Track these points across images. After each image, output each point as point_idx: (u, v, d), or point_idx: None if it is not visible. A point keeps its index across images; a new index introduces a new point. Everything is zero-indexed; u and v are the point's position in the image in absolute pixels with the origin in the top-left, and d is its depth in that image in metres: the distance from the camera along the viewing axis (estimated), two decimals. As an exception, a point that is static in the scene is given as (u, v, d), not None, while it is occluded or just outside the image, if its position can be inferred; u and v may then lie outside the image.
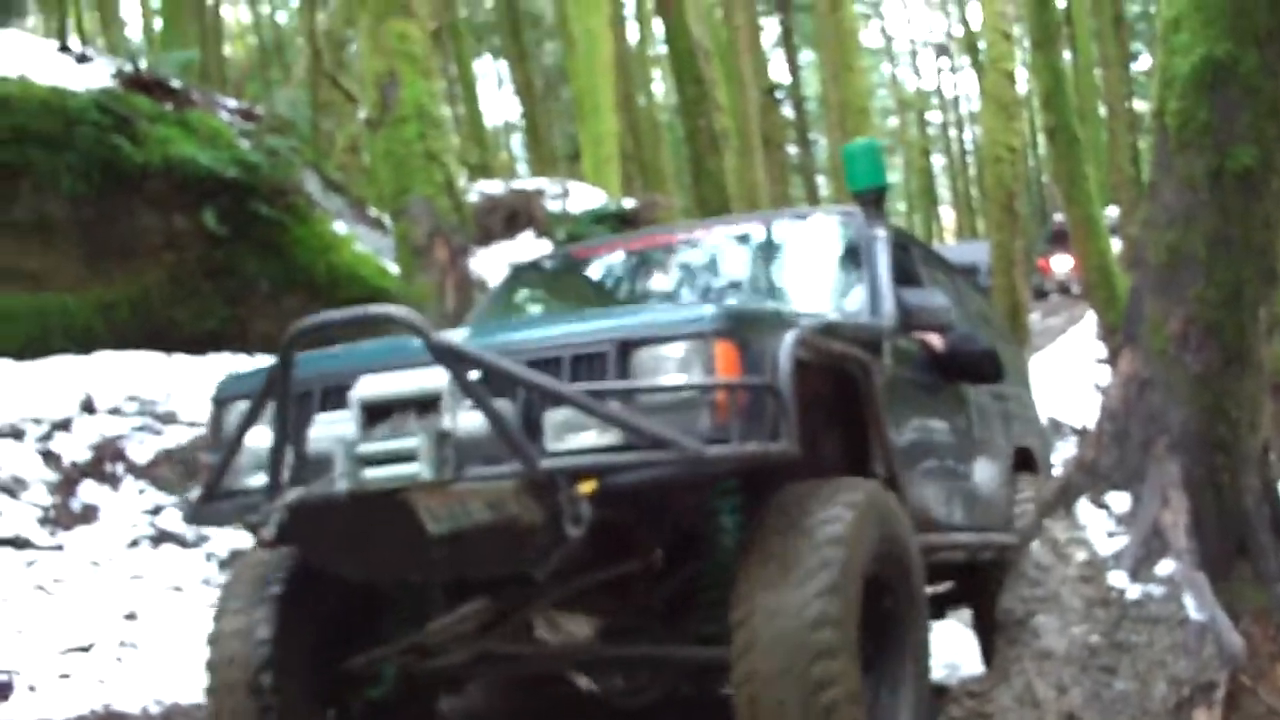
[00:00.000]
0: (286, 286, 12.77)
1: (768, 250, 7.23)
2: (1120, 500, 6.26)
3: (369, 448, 4.72)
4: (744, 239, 7.27)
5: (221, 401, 5.50)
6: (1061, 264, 35.80)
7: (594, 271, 7.48)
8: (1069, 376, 19.92)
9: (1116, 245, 24.44)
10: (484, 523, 4.71)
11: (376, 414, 4.83)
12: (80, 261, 11.93)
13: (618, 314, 5.58)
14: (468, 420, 4.70)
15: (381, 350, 5.28)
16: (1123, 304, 8.90)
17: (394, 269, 12.42)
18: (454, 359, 4.64)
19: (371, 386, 4.87)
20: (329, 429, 4.94)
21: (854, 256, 6.71)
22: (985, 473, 7.19)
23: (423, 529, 4.78)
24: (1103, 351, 20.39)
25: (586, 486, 4.61)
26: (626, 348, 4.78)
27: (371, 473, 4.68)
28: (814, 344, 5.14)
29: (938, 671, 6.89)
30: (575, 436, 4.69)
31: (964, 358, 6.79)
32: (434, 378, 4.77)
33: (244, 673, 5.38)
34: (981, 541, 6.88)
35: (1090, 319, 23.33)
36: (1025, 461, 7.97)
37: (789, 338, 4.92)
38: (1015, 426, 7.95)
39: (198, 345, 12.03)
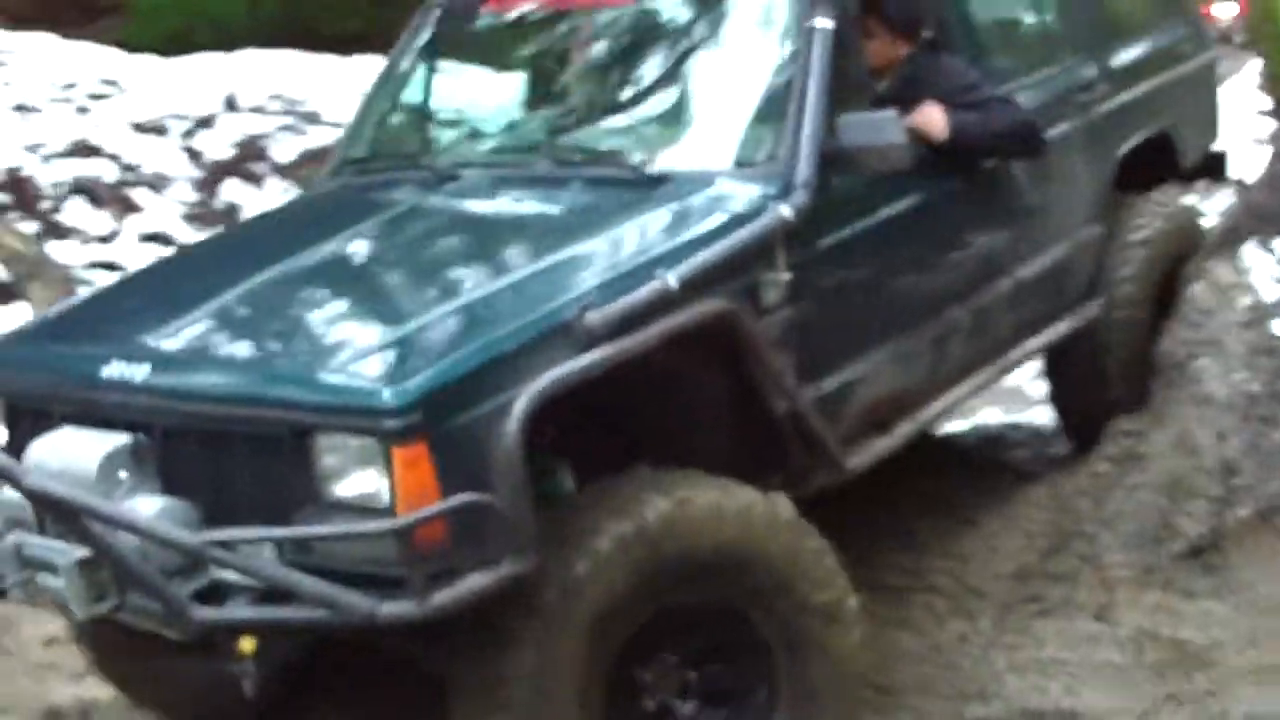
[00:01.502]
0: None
1: (668, 35, 5.21)
2: (1289, 246, 5.98)
3: (32, 548, 3.72)
4: (645, 13, 5.26)
5: None
6: (1225, 10, 34.64)
7: (500, 43, 5.74)
8: (1229, 128, 19.32)
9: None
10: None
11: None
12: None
13: (293, 363, 3.87)
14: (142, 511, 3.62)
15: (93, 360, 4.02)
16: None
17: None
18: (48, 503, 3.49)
19: (44, 453, 3.85)
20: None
21: (782, 59, 4.82)
22: (1043, 246, 5.65)
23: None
24: (1267, 103, 19.70)
25: (246, 645, 3.66)
26: (303, 434, 3.56)
27: (43, 580, 3.70)
28: (584, 371, 3.70)
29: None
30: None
31: (975, 143, 5.12)
32: (85, 465, 3.71)
33: None
34: (1029, 350, 5.67)
35: (1252, 69, 22.53)
36: (1161, 149, 6.49)
37: (511, 424, 3.49)
38: (1132, 118, 6.25)
39: (343, 45, 11.86)
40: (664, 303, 3.91)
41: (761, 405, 4.25)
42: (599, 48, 5.31)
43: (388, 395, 3.47)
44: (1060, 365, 6.14)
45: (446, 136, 5.51)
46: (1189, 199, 6.67)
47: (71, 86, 10.14)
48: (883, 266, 4.79)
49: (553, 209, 4.71)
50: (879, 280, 4.78)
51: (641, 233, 4.29)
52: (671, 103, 4.99)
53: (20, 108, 9.81)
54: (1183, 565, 4.98)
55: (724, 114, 4.80)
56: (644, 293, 3.88)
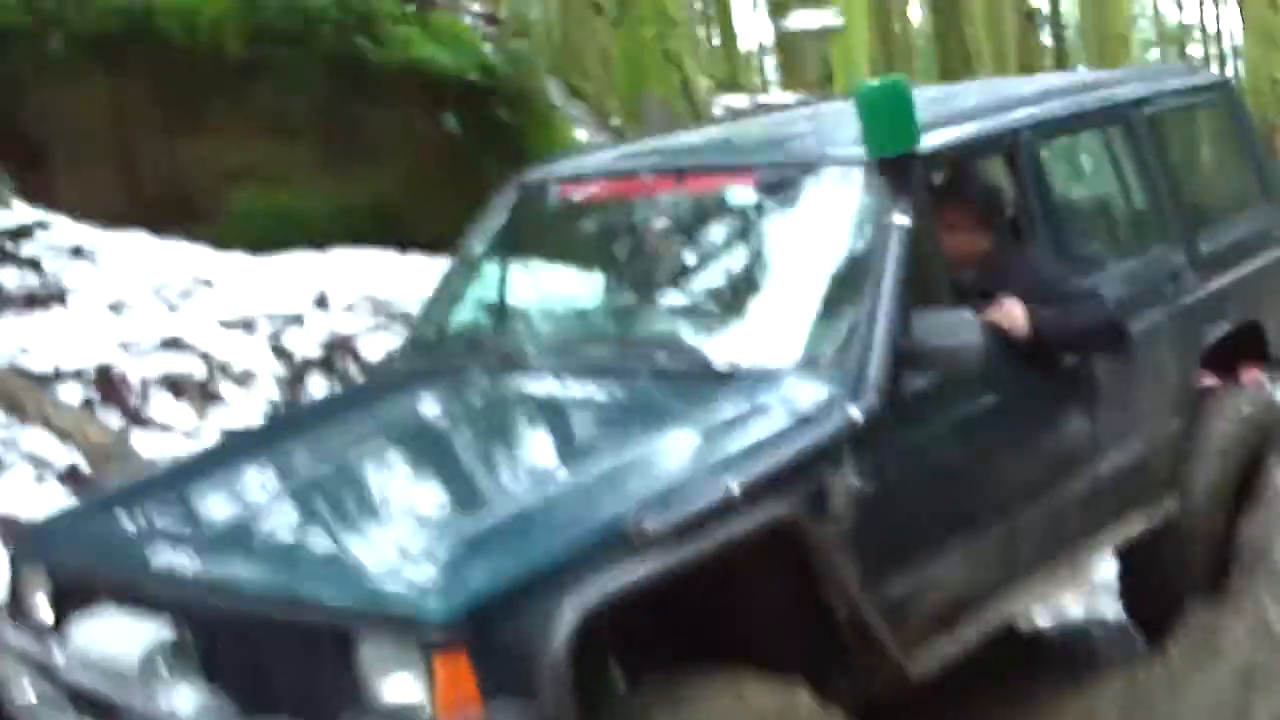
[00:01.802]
0: (524, 190, 12.63)
1: (739, 225, 5.26)
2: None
3: None
4: (717, 203, 5.31)
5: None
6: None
7: (573, 228, 5.88)
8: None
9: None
10: None
11: None
12: (318, 161, 12.00)
13: (332, 568, 3.80)
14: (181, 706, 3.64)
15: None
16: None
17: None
18: None
19: (88, 639, 3.87)
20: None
21: (856, 255, 4.76)
22: (1122, 441, 5.53)
23: None
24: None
25: None
26: (346, 636, 3.54)
27: None
28: (637, 582, 3.62)
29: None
30: None
31: (1060, 340, 5.05)
32: (127, 655, 3.70)
33: None
34: (1104, 545, 5.54)
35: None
36: (1248, 337, 6.31)
37: (558, 636, 3.42)
38: (1220, 307, 6.12)
39: (434, 246, 12.01)
40: (725, 509, 3.85)
41: (823, 610, 4.18)
42: (672, 235, 5.39)
43: (432, 605, 3.43)
44: (1134, 559, 5.98)
45: (517, 322, 5.57)
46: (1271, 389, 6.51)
47: (164, 285, 10.31)
48: (954, 466, 4.70)
49: (616, 404, 4.70)
50: (949, 481, 4.68)
51: (705, 433, 4.23)
52: (742, 295, 5.05)
53: (113, 305, 9.98)
54: (1260, 759, 4.78)
55: (794, 309, 4.77)
56: (705, 499, 3.83)
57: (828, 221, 4.94)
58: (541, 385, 4.84)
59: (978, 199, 5.24)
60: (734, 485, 3.87)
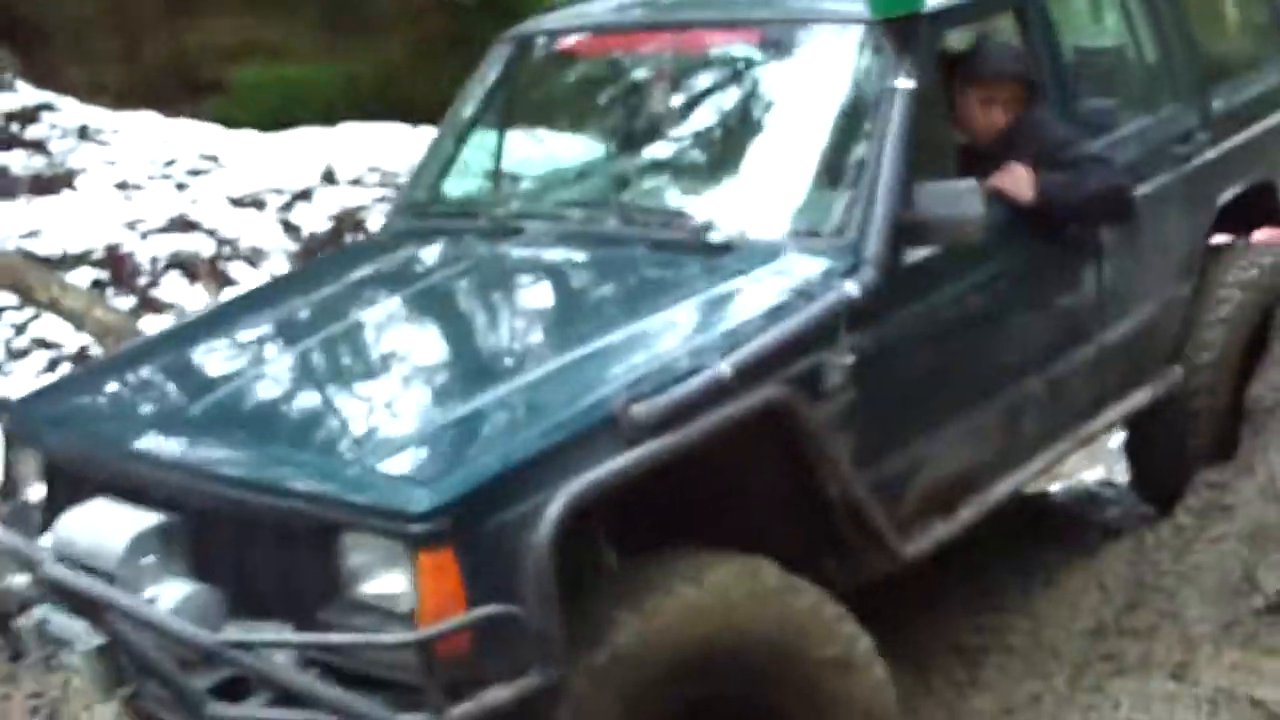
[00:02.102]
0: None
1: (738, 86, 5.02)
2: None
3: (54, 627, 3.67)
4: (716, 61, 5.09)
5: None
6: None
7: (566, 86, 5.62)
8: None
9: None
10: None
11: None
12: (321, 35, 11.91)
13: (315, 460, 3.67)
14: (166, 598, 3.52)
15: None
16: None
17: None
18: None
19: (73, 527, 3.75)
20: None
21: (859, 122, 4.54)
22: (1131, 309, 5.36)
23: None
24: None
25: None
26: (329, 530, 3.44)
27: (65, 658, 3.66)
28: (625, 472, 3.50)
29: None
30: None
31: (1061, 207, 4.86)
32: (113, 544, 3.59)
33: None
34: (1110, 420, 5.38)
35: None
36: (1261, 197, 6.12)
37: (543, 532, 3.31)
38: (1233, 168, 5.90)
39: (439, 117, 11.95)
40: (717, 393, 3.70)
41: (814, 490, 4.07)
42: (668, 94, 5.14)
43: (416, 498, 3.32)
44: (1141, 429, 5.86)
45: (508, 186, 5.38)
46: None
47: (171, 163, 10.28)
48: (955, 341, 4.56)
49: (608, 276, 4.54)
50: (949, 355, 4.53)
51: (699, 310, 4.09)
52: (741, 163, 4.82)
53: (121, 185, 9.97)
54: (1264, 620, 4.78)
55: (794, 179, 4.56)
56: (696, 383, 3.68)
57: (830, 85, 4.69)
58: (531, 255, 4.68)
59: (1014, 70, 5.00)
60: (726, 367, 3.73)
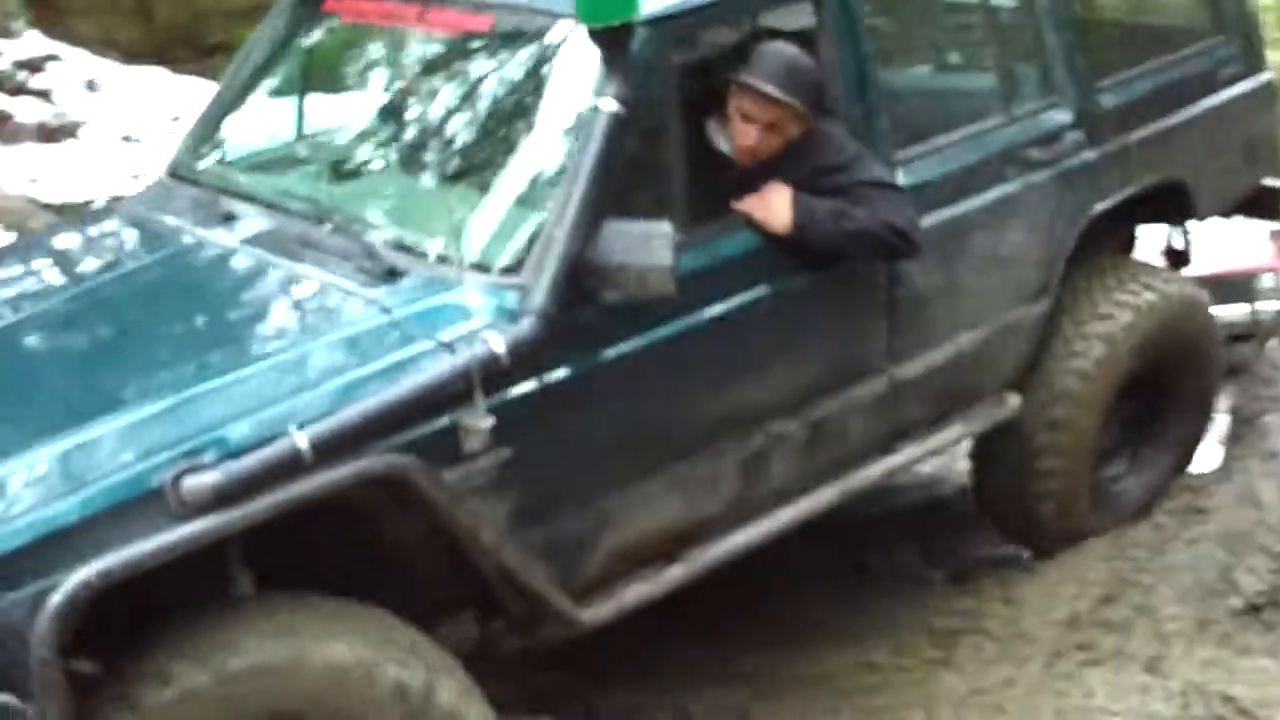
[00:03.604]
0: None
1: (464, 81, 4.46)
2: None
3: None
4: (450, 48, 4.53)
5: None
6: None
7: (321, 53, 4.99)
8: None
9: None
10: None
11: None
12: None
13: None
14: None
15: None
16: None
17: None
18: None
19: None
20: None
21: (564, 143, 3.96)
22: (942, 337, 4.77)
23: None
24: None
25: None
26: None
27: None
28: (155, 555, 3.11)
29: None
30: None
31: (825, 243, 4.22)
32: None
33: None
34: (912, 457, 4.84)
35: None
36: (1172, 199, 5.51)
37: (43, 621, 2.98)
38: (1118, 170, 5.22)
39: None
40: (290, 468, 3.27)
41: (458, 553, 3.69)
42: (398, 79, 4.72)
43: None
44: (980, 453, 5.39)
45: (251, 159, 4.80)
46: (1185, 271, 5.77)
47: (177, 119, 10.32)
48: (661, 389, 4.02)
49: (272, 297, 4.03)
50: (653, 405, 4.02)
51: (326, 356, 3.63)
52: (446, 174, 4.29)
53: (126, 138, 10.01)
54: (1239, 620, 4.89)
55: (492, 201, 4.03)
56: (263, 456, 3.25)
57: (549, 95, 4.12)
58: (220, 255, 4.20)
59: (780, 80, 4.18)
60: (302, 439, 3.28)
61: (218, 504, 3.17)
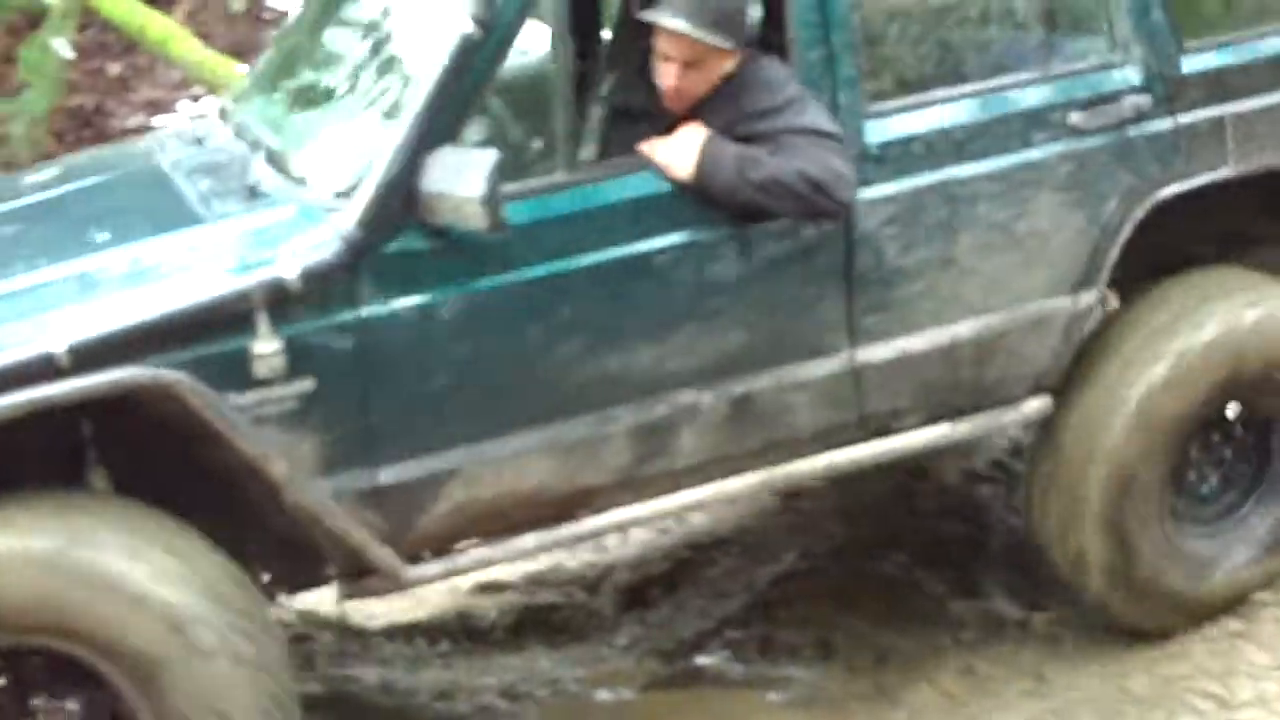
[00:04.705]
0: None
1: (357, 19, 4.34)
2: None
3: None
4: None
5: None
6: None
7: None
8: None
9: None
10: None
11: None
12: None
13: None
14: None
15: None
16: None
17: None
18: None
19: None
20: None
21: (420, 65, 3.78)
22: (928, 319, 4.14)
23: None
24: None
25: None
26: None
27: None
28: None
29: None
30: None
31: (728, 193, 3.79)
32: None
33: None
34: (892, 450, 4.22)
35: None
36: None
37: None
38: (1214, 150, 4.34)
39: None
40: (40, 372, 3.31)
41: (238, 485, 3.60)
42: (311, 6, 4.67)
43: None
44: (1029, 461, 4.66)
45: (241, 93, 4.74)
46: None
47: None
48: (534, 337, 3.75)
49: (138, 210, 4.07)
50: (512, 355, 3.74)
51: (127, 268, 3.61)
52: (323, 92, 4.24)
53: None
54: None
55: (349, 123, 3.97)
56: (19, 355, 3.32)
57: (422, 14, 4.01)
58: (131, 180, 4.34)
59: (689, 12, 3.78)
60: (59, 343, 3.32)
61: None
